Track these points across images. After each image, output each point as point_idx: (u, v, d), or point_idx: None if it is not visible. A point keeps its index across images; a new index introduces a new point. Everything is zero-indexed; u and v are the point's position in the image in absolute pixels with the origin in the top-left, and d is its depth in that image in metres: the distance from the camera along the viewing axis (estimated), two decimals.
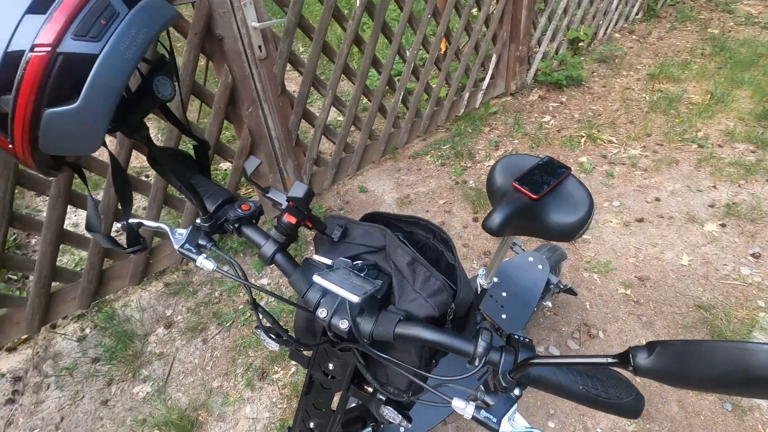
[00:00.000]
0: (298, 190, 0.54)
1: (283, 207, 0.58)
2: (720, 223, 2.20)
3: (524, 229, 0.99)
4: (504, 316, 1.45)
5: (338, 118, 3.18)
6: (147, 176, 2.79)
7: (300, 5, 1.97)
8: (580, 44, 3.73)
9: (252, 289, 0.59)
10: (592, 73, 3.64)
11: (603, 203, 2.40)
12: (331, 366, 0.69)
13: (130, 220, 0.58)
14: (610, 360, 0.39)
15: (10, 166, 1.52)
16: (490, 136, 3.02)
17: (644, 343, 0.39)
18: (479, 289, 1.24)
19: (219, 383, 1.74)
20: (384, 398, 0.63)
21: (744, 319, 1.76)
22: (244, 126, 2.03)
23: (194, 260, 0.58)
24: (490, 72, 3.17)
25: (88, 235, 1.88)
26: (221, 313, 1.97)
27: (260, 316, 0.63)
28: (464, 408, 0.51)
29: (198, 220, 0.63)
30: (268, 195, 0.59)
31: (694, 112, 3.05)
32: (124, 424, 1.63)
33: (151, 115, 2.21)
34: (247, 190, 2.65)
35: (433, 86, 2.84)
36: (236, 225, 0.63)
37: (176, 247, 0.59)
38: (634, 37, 4.26)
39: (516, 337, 0.52)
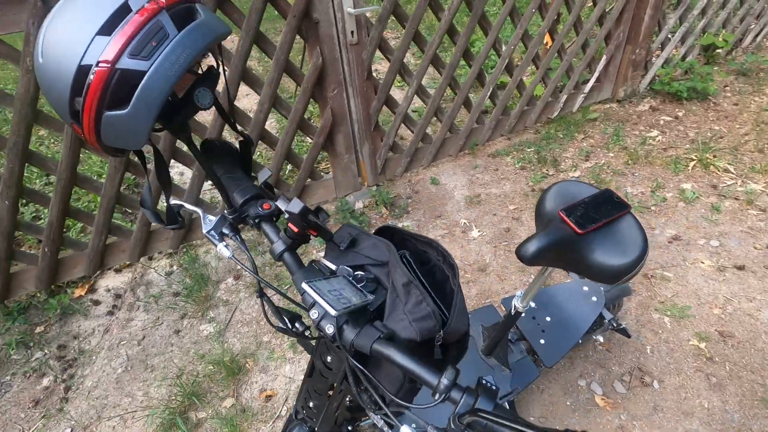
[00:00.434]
0: (294, 206, 0.58)
1: (286, 216, 0.63)
2: None
3: (563, 262, 0.94)
4: (542, 341, 1.40)
5: (420, 107, 3.17)
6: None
7: None
8: (716, 52, 3.23)
9: (263, 279, 0.66)
10: (724, 87, 3.14)
11: (698, 239, 2.12)
12: (329, 358, 0.74)
13: (173, 202, 0.68)
14: None
15: None
16: (582, 144, 2.80)
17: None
18: (513, 310, 1.21)
19: (268, 339, 1.92)
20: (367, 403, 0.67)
21: None
22: (328, 106, 2.14)
23: (215, 245, 0.67)
24: (596, 74, 2.90)
25: (183, 188, 2.16)
26: (282, 276, 2.15)
27: (265, 307, 0.69)
28: None
29: (225, 211, 0.71)
30: (276, 203, 0.64)
31: None
32: (188, 354, 1.89)
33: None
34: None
35: (527, 84, 2.69)
36: (256, 220, 0.70)
37: (204, 231, 0.68)
38: None
39: (485, 382, 0.52)
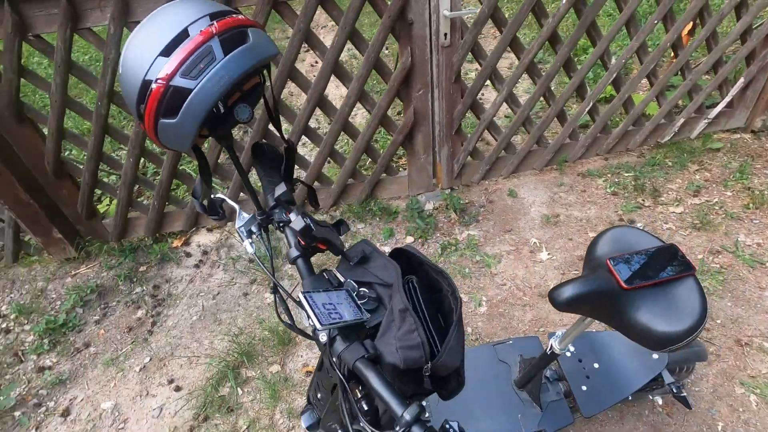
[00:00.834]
0: (297, 224, 0.63)
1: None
2: None
3: (602, 316, 0.87)
4: (584, 388, 1.30)
5: (507, 113, 3.02)
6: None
7: None
8: None
9: (275, 279, 0.72)
10: None
11: None
12: (334, 358, 0.79)
13: (217, 196, 0.77)
14: None
15: None
16: (694, 176, 2.45)
17: None
18: (550, 349, 1.14)
19: None
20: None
21: None
22: (412, 106, 2.16)
23: (242, 241, 0.75)
24: (728, 98, 2.50)
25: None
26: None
27: (277, 305, 0.75)
28: None
29: (256, 212, 0.78)
30: (290, 216, 0.69)
31: None
32: (250, 317, 2.10)
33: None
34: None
35: (637, 101, 2.42)
36: (281, 225, 0.76)
37: (236, 226, 0.76)
38: None
39: (448, 427, 0.52)
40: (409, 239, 2.33)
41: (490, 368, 1.40)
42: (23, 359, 2.00)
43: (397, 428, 0.54)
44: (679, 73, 2.36)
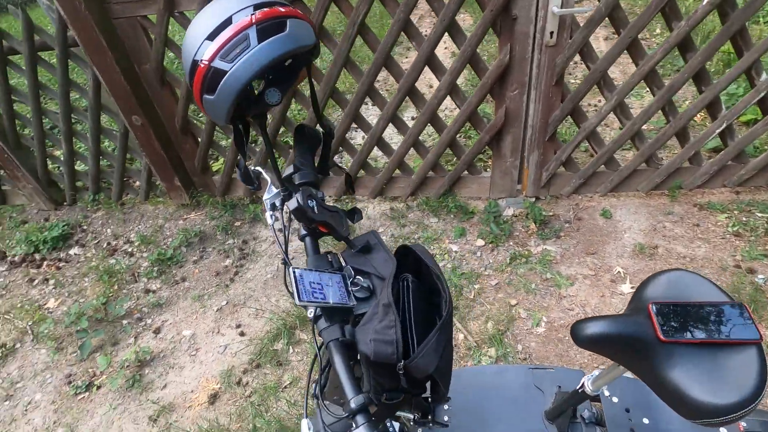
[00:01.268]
0: (291, 204, 0.66)
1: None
2: None
3: (630, 363, 0.77)
4: None
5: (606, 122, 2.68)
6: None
7: None
8: None
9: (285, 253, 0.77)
10: None
11: None
12: (317, 333, 0.82)
13: (254, 168, 0.85)
14: None
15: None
16: None
17: None
18: (581, 388, 1.03)
19: None
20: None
21: None
22: (504, 106, 2.07)
23: (265, 212, 0.81)
24: None
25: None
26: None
27: (285, 276, 0.79)
28: None
29: (281, 188, 0.84)
30: (296, 195, 0.73)
31: None
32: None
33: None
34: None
35: None
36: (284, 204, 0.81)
37: (263, 197, 0.83)
38: None
39: (389, 425, 0.53)
40: (480, 242, 2.26)
41: (524, 392, 1.32)
42: (137, 280, 2.44)
43: (344, 411, 0.56)
44: None
